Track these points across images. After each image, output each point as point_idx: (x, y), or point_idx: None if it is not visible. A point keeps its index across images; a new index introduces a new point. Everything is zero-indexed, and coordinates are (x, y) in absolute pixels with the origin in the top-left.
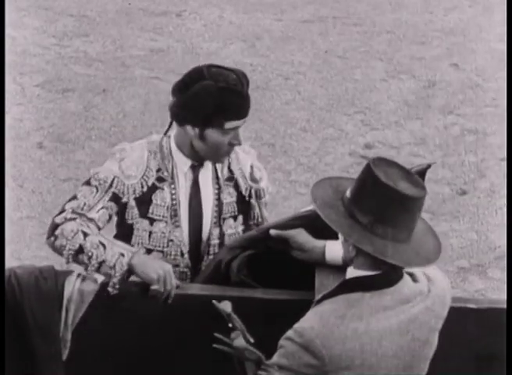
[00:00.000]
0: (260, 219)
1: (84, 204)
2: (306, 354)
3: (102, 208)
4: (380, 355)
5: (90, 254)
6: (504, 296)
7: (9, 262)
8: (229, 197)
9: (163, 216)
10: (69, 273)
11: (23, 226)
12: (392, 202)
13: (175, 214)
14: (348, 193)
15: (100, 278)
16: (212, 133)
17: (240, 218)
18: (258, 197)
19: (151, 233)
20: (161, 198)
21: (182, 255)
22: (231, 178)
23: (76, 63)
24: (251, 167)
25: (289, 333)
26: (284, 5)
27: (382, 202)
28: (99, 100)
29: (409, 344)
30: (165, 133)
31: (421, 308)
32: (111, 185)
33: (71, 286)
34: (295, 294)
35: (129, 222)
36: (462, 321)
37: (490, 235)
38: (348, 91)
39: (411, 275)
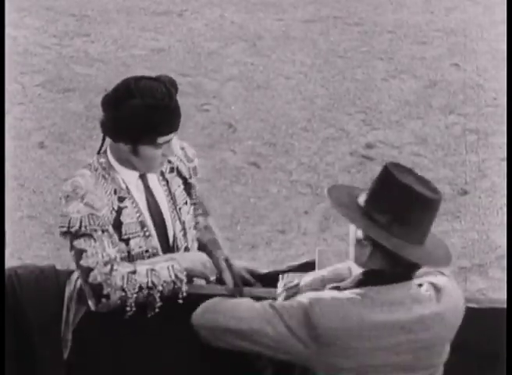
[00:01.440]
0: (199, 196)
1: (101, 254)
2: (303, 323)
3: (109, 246)
4: (375, 346)
5: (150, 285)
6: (505, 296)
7: (10, 262)
8: (177, 186)
9: (135, 232)
10: (70, 272)
11: (23, 226)
12: (410, 203)
13: (143, 225)
14: (363, 196)
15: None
16: (145, 149)
17: (188, 199)
18: (195, 175)
19: (129, 252)
20: (129, 216)
21: None
22: (172, 168)
23: (77, 63)
24: (183, 149)
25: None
26: (285, 5)
27: (400, 202)
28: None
29: (410, 344)
30: (99, 152)
31: (431, 313)
32: (94, 223)
33: (72, 285)
34: None
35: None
36: (463, 320)
37: (491, 235)
38: (349, 90)
39: (419, 284)
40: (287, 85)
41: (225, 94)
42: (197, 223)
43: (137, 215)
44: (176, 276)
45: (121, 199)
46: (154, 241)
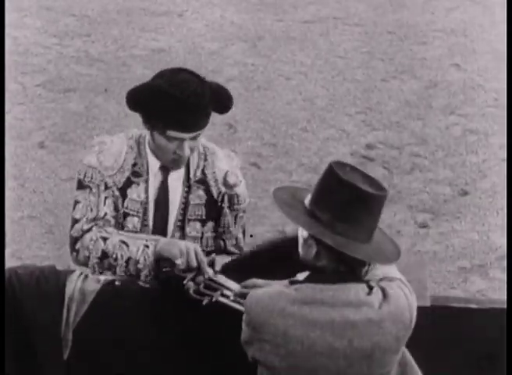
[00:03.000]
0: (230, 228)
1: (90, 208)
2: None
3: (105, 203)
4: (306, 347)
5: (114, 256)
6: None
7: (10, 262)
8: (198, 199)
9: (137, 212)
10: (70, 272)
11: (24, 226)
12: (352, 200)
13: (145, 212)
14: (308, 196)
15: (102, 278)
16: (158, 137)
17: (210, 224)
18: (232, 203)
19: (123, 227)
20: (137, 193)
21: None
22: (203, 181)
23: (77, 63)
24: (226, 172)
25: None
26: (285, 6)
27: (343, 200)
28: (101, 100)
29: (345, 350)
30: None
31: (363, 319)
32: (97, 178)
33: (72, 285)
34: None
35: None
36: (463, 321)
37: (491, 235)
38: (349, 91)
39: (369, 287)
40: (287, 86)
41: None
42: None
43: (144, 197)
44: (144, 258)
45: (136, 174)
46: (149, 232)
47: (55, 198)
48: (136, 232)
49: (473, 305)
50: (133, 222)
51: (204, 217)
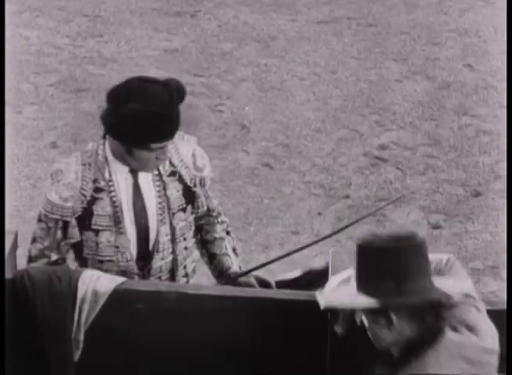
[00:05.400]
0: (205, 208)
1: (45, 247)
2: None
3: (59, 242)
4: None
5: None
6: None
7: (22, 262)
8: (175, 191)
9: (106, 226)
10: (83, 272)
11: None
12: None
13: (118, 221)
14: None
15: (116, 278)
16: (139, 152)
17: (189, 208)
18: (203, 185)
19: (97, 243)
20: (102, 208)
21: (128, 261)
22: (174, 172)
23: (89, 63)
24: (193, 156)
25: None
26: (299, 6)
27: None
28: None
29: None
30: (104, 137)
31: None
32: (54, 213)
33: (85, 286)
34: (296, 295)
35: (71, 241)
36: None
37: (504, 236)
38: (363, 91)
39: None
40: (301, 86)
41: (238, 95)
42: (211, 233)
43: (114, 209)
44: None
45: (98, 190)
46: (126, 239)
47: None
48: (110, 246)
49: (486, 306)
50: (105, 236)
51: (184, 205)
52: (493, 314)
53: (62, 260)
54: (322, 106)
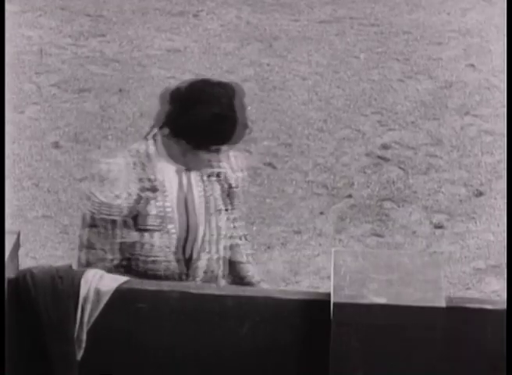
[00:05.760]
0: (243, 208)
1: (102, 250)
2: None
3: (115, 243)
4: None
5: None
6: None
7: (25, 262)
8: (219, 191)
9: (156, 226)
10: (85, 271)
11: (38, 226)
12: None
13: (167, 221)
14: None
15: (118, 277)
16: (197, 152)
17: (229, 207)
18: (241, 186)
19: (147, 244)
20: (152, 208)
21: (176, 261)
22: (217, 173)
23: (92, 63)
24: (233, 157)
25: None
26: (301, 6)
27: None
28: (115, 100)
29: None
30: (146, 137)
31: None
32: (112, 215)
33: (87, 285)
34: (298, 294)
35: (127, 241)
36: (478, 322)
37: (506, 236)
38: (365, 91)
39: None
40: (303, 86)
41: None
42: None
43: (164, 209)
44: None
45: (151, 190)
46: (175, 240)
47: (69, 198)
48: (153, 245)
49: (488, 306)
50: (155, 236)
51: (227, 205)
52: (495, 314)
53: (118, 260)
54: (325, 106)
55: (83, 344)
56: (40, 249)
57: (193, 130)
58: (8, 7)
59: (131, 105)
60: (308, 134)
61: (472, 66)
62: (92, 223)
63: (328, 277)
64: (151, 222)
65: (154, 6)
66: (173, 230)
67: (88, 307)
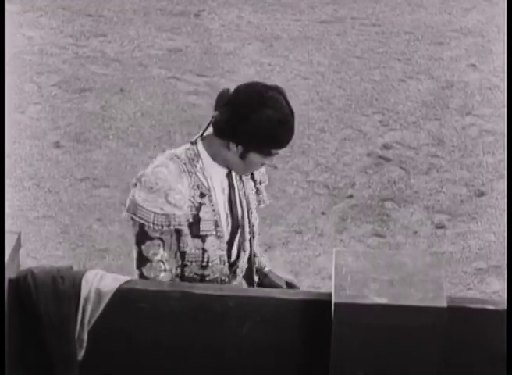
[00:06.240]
0: (267, 202)
1: (163, 263)
2: None
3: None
4: None
5: None
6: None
7: (26, 262)
8: (251, 189)
9: (204, 231)
10: (86, 272)
11: (39, 226)
12: None
13: (217, 225)
14: None
15: (119, 277)
16: (254, 156)
17: (261, 203)
18: (263, 180)
19: (203, 249)
20: (207, 213)
21: (225, 263)
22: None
23: (93, 63)
24: None
25: None
26: (302, 6)
27: None
28: (116, 100)
29: None
30: (193, 142)
31: None
32: (170, 224)
33: (88, 285)
34: (300, 294)
35: (185, 249)
36: (480, 322)
37: (507, 236)
38: (366, 91)
39: None
40: (304, 86)
41: None
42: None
43: (214, 213)
44: None
45: (202, 195)
46: (224, 244)
47: (70, 198)
48: (214, 250)
49: (489, 306)
50: (210, 241)
51: (256, 203)
52: (496, 314)
53: (176, 270)
54: (326, 106)
55: (84, 345)
56: (41, 249)
57: (256, 135)
58: (8, 7)
59: (132, 105)
60: (309, 134)
61: (473, 66)
62: (153, 236)
63: (330, 277)
64: (204, 227)
65: (155, 6)
66: (221, 234)
67: (89, 307)
